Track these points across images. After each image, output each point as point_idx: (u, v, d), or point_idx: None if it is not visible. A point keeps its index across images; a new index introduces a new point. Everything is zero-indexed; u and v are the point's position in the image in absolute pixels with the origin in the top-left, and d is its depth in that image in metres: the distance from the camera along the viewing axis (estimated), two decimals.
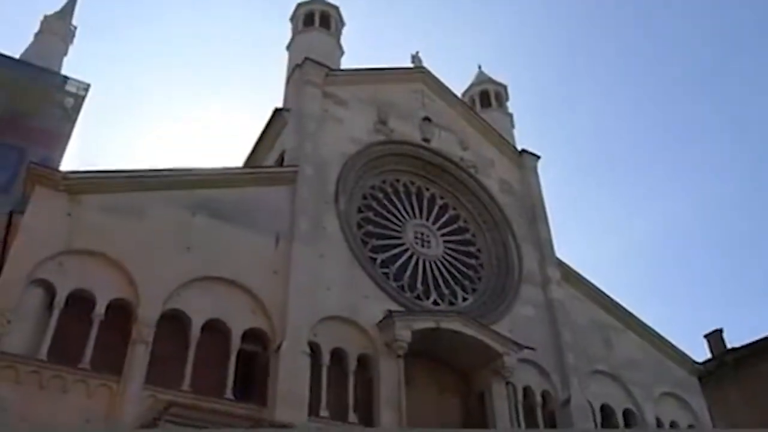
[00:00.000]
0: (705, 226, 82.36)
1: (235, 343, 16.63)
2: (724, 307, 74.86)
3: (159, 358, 15.38)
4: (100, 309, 15.40)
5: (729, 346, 31.03)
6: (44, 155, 29.73)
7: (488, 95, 31.17)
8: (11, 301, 14.41)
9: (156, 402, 14.05)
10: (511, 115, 30.70)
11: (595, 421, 20.92)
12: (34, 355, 14.27)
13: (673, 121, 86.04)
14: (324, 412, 16.67)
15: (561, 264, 24.32)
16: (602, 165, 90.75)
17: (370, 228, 21.63)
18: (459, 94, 28.94)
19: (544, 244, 24.55)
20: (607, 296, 24.47)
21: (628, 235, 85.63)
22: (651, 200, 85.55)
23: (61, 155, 32.78)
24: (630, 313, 24.48)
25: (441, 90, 27.06)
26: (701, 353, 30.41)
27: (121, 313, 15.66)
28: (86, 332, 15.01)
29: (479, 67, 33.30)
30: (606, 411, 21.80)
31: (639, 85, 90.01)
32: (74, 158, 71.73)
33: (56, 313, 14.95)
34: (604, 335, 23.56)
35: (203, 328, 16.32)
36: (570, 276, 24.25)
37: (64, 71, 38.67)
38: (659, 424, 22.30)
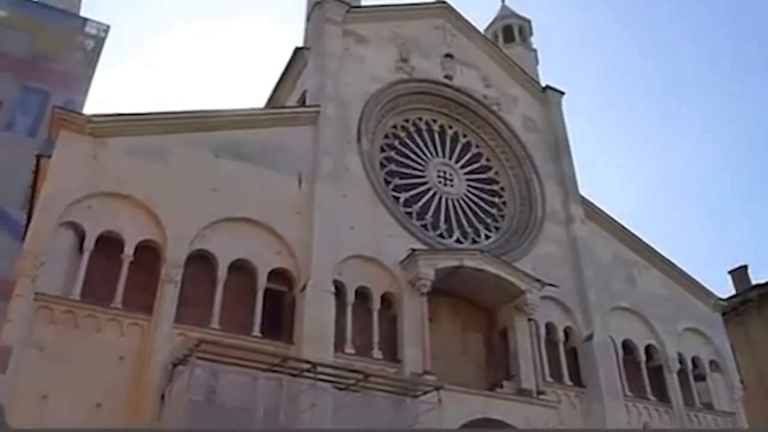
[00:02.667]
0: (731, 161, 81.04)
1: (262, 282, 16.95)
2: (750, 244, 74.29)
3: (188, 298, 15.81)
4: (129, 250, 15.75)
5: (754, 282, 30.98)
6: (68, 99, 29.89)
7: (512, 30, 30.36)
8: (43, 243, 14.76)
9: (186, 339, 14.47)
10: (535, 51, 29.95)
11: (617, 356, 21.19)
12: (68, 296, 14.73)
13: (701, 55, 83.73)
14: (349, 349, 17.09)
15: (584, 201, 24.20)
16: (627, 100, 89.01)
17: (393, 167, 21.61)
18: (482, 30, 28.31)
19: (567, 182, 24.40)
20: (631, 233, 24.38)
21: (653, 170, 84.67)
22: (676, 135, 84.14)
23: (83, 98, 32.87)
24: (653, 250, 24.43)
25: (463, 25, 26.44)
26: (726, 290, 30.44)
27: (149, 254, 16.00)
28: (117, 273, 15.42)
29: (503, 1, 32.43)
30: (628, 346, 22.05)
31: (665, 19, 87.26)
32: (93, 101, 71.81)
33: (87, 254, 15.32)
34: (627, 272, 23.62)
35: (230, 268, 16.64)
36: (593, 213, 24.15)
37: (81, 12, 38.38)
38: (681, 359, 22.55)
